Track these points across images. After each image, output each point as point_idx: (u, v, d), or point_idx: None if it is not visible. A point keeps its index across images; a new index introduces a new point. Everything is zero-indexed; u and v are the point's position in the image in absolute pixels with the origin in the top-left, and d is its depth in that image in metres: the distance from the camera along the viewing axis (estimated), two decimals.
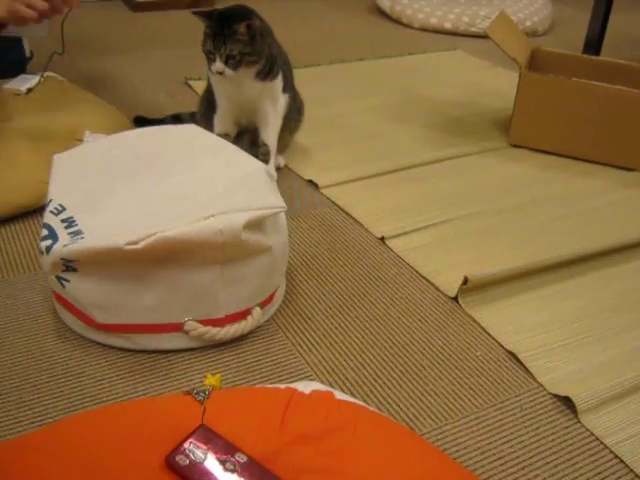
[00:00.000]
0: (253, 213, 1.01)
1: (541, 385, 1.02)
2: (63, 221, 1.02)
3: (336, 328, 1.11)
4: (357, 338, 1.09)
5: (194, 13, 1.38)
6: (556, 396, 1.00)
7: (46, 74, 1.74)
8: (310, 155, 1.68)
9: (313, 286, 1.21)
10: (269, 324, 1.11)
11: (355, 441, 0.81)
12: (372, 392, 0.99)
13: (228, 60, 1.36)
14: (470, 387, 1.01)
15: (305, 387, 0.89)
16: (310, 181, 1.56)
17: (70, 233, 0.99)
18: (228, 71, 1.37)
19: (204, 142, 1.21)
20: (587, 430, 0.94)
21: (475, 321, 1.14)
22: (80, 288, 1.00)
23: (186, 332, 1.03)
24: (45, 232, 1.01)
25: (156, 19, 2.78)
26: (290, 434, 0.81)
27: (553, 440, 0.93)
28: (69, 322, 1.07)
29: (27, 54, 1.91)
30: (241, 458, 0.76)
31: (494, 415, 0.96)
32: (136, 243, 0.94)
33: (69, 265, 0.98)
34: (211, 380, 0.89)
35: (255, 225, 1.02)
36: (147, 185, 1.08)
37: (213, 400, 0.84)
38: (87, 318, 1.02)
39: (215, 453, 0.76)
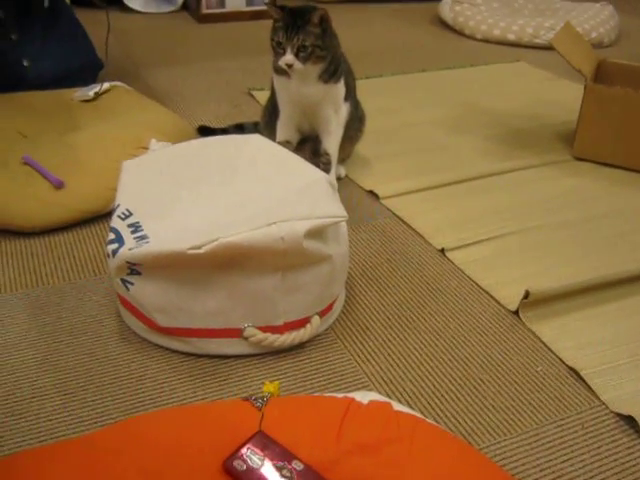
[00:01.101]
0: (315, 222, 1.01)
1: (603, 403, 0.99)
2: (130, 226, 1.05)
3: (394, 339, 1.11)
4: (416, 350, 1.09)
5: (267, 4, 1.40)
6: (619, 415, 0.97)
7: (113, 83, 1.78)
8: (371, 166, 1.69)
9: (372, 296, 1.21)
10: (328, 333, 1.11)
11: (412, 453, 0.80)
12: (430, 405, 0.98)
13: (299, 52, 1.37)
14: (530, 403, 0.99)
15: (363, 397, 0.89)
16: (371, 192, 1.56)
17: (136, 238, 1.02)
18: (298, 64, 1.38)
19: (268, 152, 1.23)
20: None
21: (536, 336, 1.13)
22: (144, 291, 1.02)
23: (245, 338, 1.04)
24: (112, 236, 1.04)
25: (221, 30, 2.83)
26: (347, 443, 0.81)
27: (615, 460, 0.90)
28: (132, 325, 1.10)
29: (99, 59, 1.95)
30: (298, 465, 0.76)
31: (554, 432, 0.94)
32: (199, 248, 0.96)
33: (134, 268, 1.01)
34: (269, 387, 0.90)
35: (316, 234, 1.03)
36: (211, 193, 1.10)
37: (271, 407, 0.85)
38: (150, 321, 1.05)
39: (272, 459, 0.77)
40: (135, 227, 1.04)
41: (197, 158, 1.21)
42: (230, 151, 1.22)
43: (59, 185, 1.36)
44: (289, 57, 1.37)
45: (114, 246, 1.02)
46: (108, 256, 1.04)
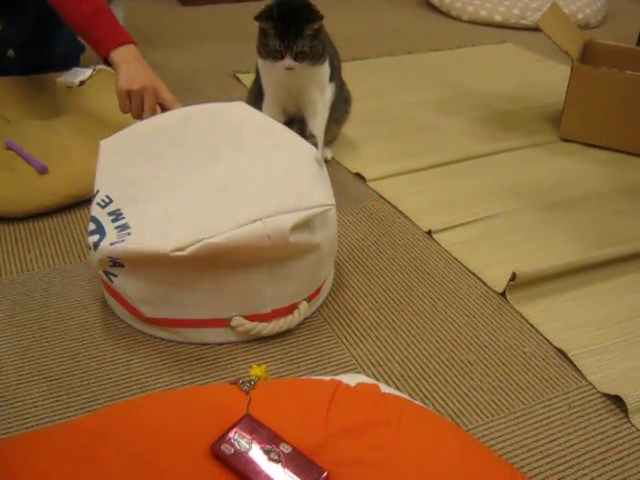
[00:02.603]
0: (301, 214, 0.98)
1: (590, 383, 1.00)
2: (110, 214, 1.01)
3: (382, 322, 1.11)
4: (403, 332, 1.09)
5: (256, 19, 1.38)
6: (606, 395, 0.98)
7: (98, 67, 1.76)
8: (357, 148, 1.68)
9: (360, 279, 1.21)
10: (315, 317, 1.11)
11: (400, 435, 0.80)
12: (417, 386, 0.98)
13: (298, 56, 1.37)
14: (517, 384, 0.99)
15: (350, 380, 0.89)
16: (357, 174, 1.55)
17: (117, 227, 0.99)
18: (297, 65, 1.38)
19: (253, 122, 1.19)
20: (638, 430, 0.92)
21: (523, 317, 1.13)
22: (127, 283, 1.00)
23: (233, 328, 1.03)
24: (92, 226, 1.01)
25: (205, 13, 2.80)
26: (335, 426, 0.81)
27: (602, 440, 0.91)
28: (118, 313, 1.09)
29: (81, 44, 1.93)
30: (286, 448, 0.76)
31: (541, 413, 0.95)
32: (182, 250, 0.93)
33: (116, 261, 0.99)
34: (257, 371, 0.90)
35: (304, 225, 1.00)
36: (194, 174, 1.06)
37: (258, 390, 0.85)
38: (135, 311, 1.03)
39: (260, 443, 0.77)
40: (116, 215, 1.01)
41: (179, 132, 1.16)
42: (213, 122, 1.19)
43: (43, 170, 1.35)
44: (290, 62, 1.37)
45: (95, 238, 0.99)
46: (89, 248, 1.00)
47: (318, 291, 1.11)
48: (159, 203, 1.01)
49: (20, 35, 1.73)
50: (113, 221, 1.00)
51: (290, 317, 1.06)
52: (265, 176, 1.05)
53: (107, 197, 1.04)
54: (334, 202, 1.05)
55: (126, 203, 1.03)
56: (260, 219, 0.95)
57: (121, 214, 1.01)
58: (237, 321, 1.02)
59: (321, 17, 1.37)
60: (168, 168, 1.08)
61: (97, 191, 1.06)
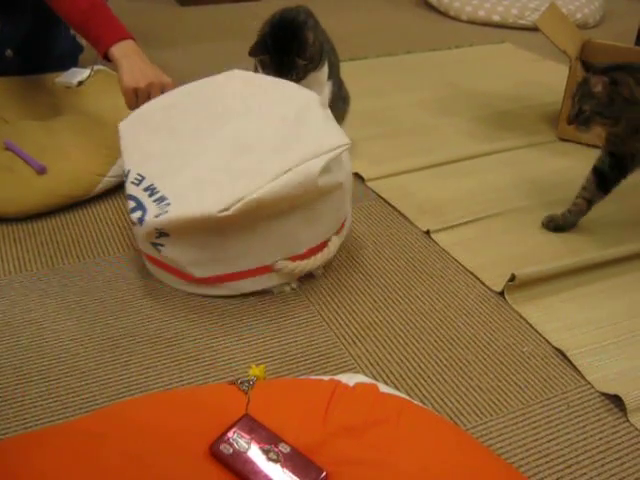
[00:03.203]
0: (325, 157, 1.06)
1: (589, 383, 1.00)
2: (145, 190, 1.08)
3: (381, 321, 1.11)
4: (402, 332, 1.09)
5: (250, 55, 1.40)
6: (605, 395, 0.98)
7: (96, 67, 1.76)
8: (356, 148, 1.68)
9: (358, 279, 1.21)
10: (314, 316, 1.11)
11: (398, 434, 0.80)
12: (416, 386, 0.98)
13: (295, 78, 1.39)
14: (516, 383, 0.99)
15: (349, 379, 0.89)
16: (356, 174, 1.55)
17: (155, 201, 1.06)
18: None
19: (252, 83, 1.25)
20: (636, 429, 0.92)
21: (522, 317, 1.13)
22: (175, 250, 1.08)
23: (277, 271, 1.12)
24: (132, 204, 1.08)
25: (204, 13, 2.80)
26: (333, 426, 0.81)
27: (601, 439, 0.91)
28: (167, 281, 1.16)
29: (79, 44, 1.93)
30: (284, 448, 0.76)
31: (540, 412, 0.95)
32: (228, 209, 1.01)
33: (162, 231, 1.06)
34: (255, 371, 0.90)
35: (326, 168, 1.07)
36: (212, 139, 1.13)
37: (257, 390, 0.85)
38: (186, 275, 1.11)
39: (259, 443, 0.77)
40: (151, 190, 1.08)
41: (187, 106, 1.22)
42: (216, 91, 1.24)
43: (41, 170, 1.35)
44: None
45: (138, 214, 1.06)
46: (134, 224, 1.07)
47: (342, 225, 1.20)
48: (187, 171, 1.09)
49: (18, 35, 1.73)
50: (150, 196, 1.07)
51: (325, 251, 1.15)
52: (278, 129, 1.12)
53: (139, 175, 1.11)
54: (349, 141, 1.11)
55: (157, 177, 1.10)
56: (290, 169, 1.03)
57: (155, 188, 1.08)
58: (280, 264, 1.11)
59: (313, 43, 1.38)
60: (186, 138, 1.15)
61: (128, 171, 1.12)
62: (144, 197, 1.07)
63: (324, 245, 1.16)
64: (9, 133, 1.45)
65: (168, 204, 1.04)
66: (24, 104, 1.62)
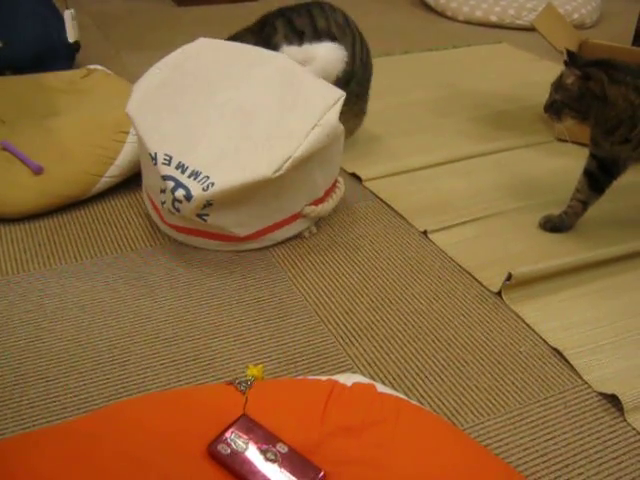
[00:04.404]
0: (337, 106, 1.21)
1: (586, 383, 1.00)
2: (177, 168, 1.15)
3: (378, 321, 1.11)
4: (399, 332, 1.09)
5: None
6: (602, 394, 0.98)
7: (93, 67, 1.76)
8: (353, 148, 1.68)
9: (355, 279, 1.21)
10: (311, 317, 1.11)
11: (396, 434, 0.81)
12: (414, 386, 0.98)
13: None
14: (513, 383, 1.00)
15: (347, 379, 0.89)
16: (353, 174, 1.56)
17: (190, 176, 1.14)
18: None
19: (223, 50, 1.33)
20: (634, 429, 0.93)
21: (519, 317, 1.13)
22: (220, 217, 1.18)
23: (305, 216, 1.28)
24: (171, 183, 1.14)
25: (200, 13, 2.80)
26: (331, 426, 0.81)
27: (598, 438, 0.91)
28: (209, 247, 1.26)
29: (71, 40, 1.94)
30: (282, 448, 0.77)
31: (537, 412, 0.95)
32: (280, 169, 1.14)
33: (208, 202, 1.14)
34: (253, 371, 0.90)
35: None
36: (213, 110, 1.22)
37: (255, 390, 0.85)
38: (230, 237, 1.23)
39: (256, 443, 0.77)
40: (182, 167, 1.15)
41: (177, 81, 1.28)
42: (196, 65, 1.30)
43: (38, 171, 1.35)
44: None
45: (181, 191, 1.13)
46: (180, 202, 1.14)
47: (339, 167, 1.35)
48: (203, 144, 1.18)
49: (7, 27, 1.74)
50: (182, 172, 1.15)
51: (337, 191, 1.34)
52: (271, 91, 1.24)
53: (166, 155, 1.17)
54: (343, 92, 1.25)
55: (180, 154, 1.17)
56: (316, 125, 1.18)
57: (184, 164, 1.15)
58: (307, 210, 1.27)
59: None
60: (188, 113, 1.22)
61: (155, 153, 1.17)
62: (178, 175, 1.14)
63: (335, 185, 1.34)
64: (6, 133, 1.45)
65: (207, 177, 1.13)
66: (21, 104, 1.62)
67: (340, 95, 1.23)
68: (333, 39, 1.50)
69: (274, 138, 1.17)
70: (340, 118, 1.22)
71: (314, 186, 1.27)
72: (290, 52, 1.41)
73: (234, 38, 1.55)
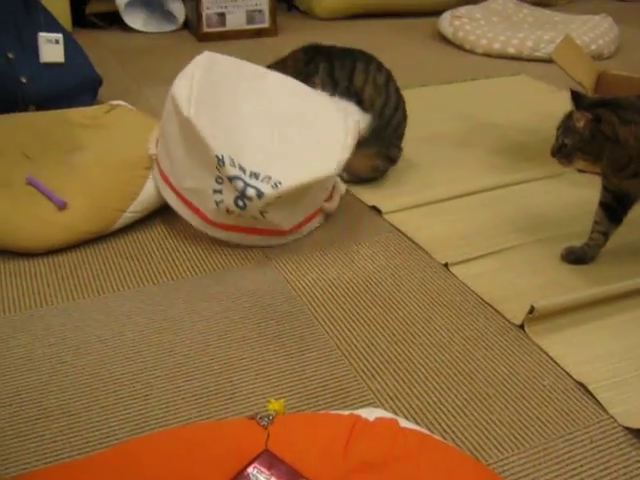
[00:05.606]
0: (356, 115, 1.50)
1: (612, 417, 0.99)
2: (240, 169, 1.26)
3: (400, 355, 1.10)
4: (421, 365, 1.08)
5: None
6: (628, 429, 0.97)
7: (116, 102, 1.79)
8: (373, 181, 1.69)
9: (377, 312, 1.21)
10: (333, 350, 1.11)
11: (420, 470, 0.80)
12: (436, 420, 0.98)
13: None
14: (537, 417, 0.98)
15: (369, 414, 0.88)
16: (373, 207, 1.56)
17: (251, 176, 1.26)
18: None
19: (233, 66, 1.49)
20: None
21: (542, 350, 1.12)
22: (276, 213, 1.30)
23: (322, 211, 1.46)
24: (240, 183, 1.25)
25: (221, 49, 2.83)
26: (354, 461, 0.80)
27: (625, 474, 0.89)
28: (255, 243, 1.38)
29: (98, 75, 1.98)
30: None
31: (562, 447, 0.94)
32: (338, 168, 1.35)
33: (274, 200, 1.27)
34: (275, 405, 0.90)
35: None
36: (250, 114, 1.38)
37: (277, 425, 0.84)
38: (277, 232, 1.36)
39: (278, 478, 0.76)
40: (242, 169, 1.26)
41: (212, 87, 1.38)
42: (219, 75, 1.43)
43: (62, 206, 1.37)
44: None
45: (252, 190, 1.24)
46: (250, 199, 1.24)
47: None
48: (251, 147, 1.31)
49: (32, 62, 1.78)
50: (244, 173, 1.26)
51: (338, 190, 1.52)
52: (296, 103, 1.44)
53: (230, 157, 1.26)
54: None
55: (238, 156, 1.27)
56: (348, 133, 1.40)
57: (242, 166, 1.27)
58: (325, 205, 1.46)
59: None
60: (231, 117, 1.35)
61: (222, 155, 1.26)
62: (243, 175, 1.25)
63: (336, 185, 1.51)
64: (31, 169, 1.48)
65: (268, 177, 1.26)
66: (45, 140, 1.64)
67: (351, 104, 1.49)
68: (360, 100, 1.58)
69: (320, 143, 1.36)
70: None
71: (328, 184, 1.43)
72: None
73: (278, 64, 1.65)
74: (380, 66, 1.64)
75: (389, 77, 1.63)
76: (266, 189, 1.24)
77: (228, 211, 1.29)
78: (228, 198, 1.27)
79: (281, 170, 1.28)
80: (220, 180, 1.28)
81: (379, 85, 1.59)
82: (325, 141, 1.38)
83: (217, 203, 1.29)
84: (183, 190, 1.37)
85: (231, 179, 1.25)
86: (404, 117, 1.67)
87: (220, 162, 1.25)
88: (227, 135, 1.30)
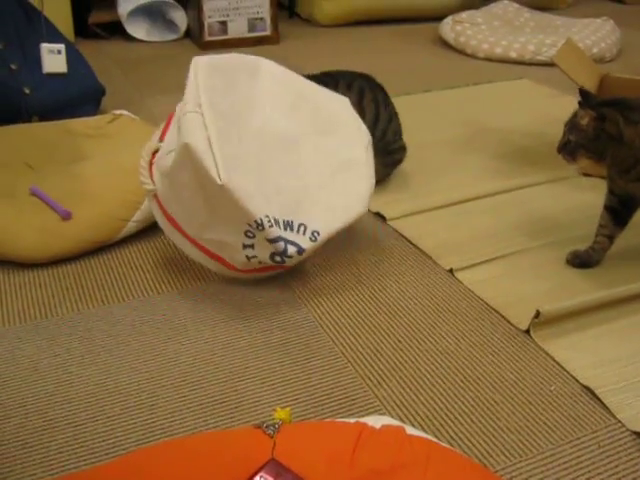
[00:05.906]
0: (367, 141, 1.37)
1: (620, 422, 0.98)
2: (275, 223, 1.14)
3: (406, 361, 1.10)
4: (427, 372, 1.08)
5: None
6: (636, 433, 0.96)
7: (119, 112, 1.79)
8: (376, 187, 1.68)
9: (382, 319, 1.20)
10: (338, 358, 1.11)
11: (427, 477, 0.79)
12: (443, 427, 0.97)
13: None
14: (545, 423, 0.98)
15: (375, 421, 0.88)
16: (377, 213, 1.56)
17: (285, 228, 1.15)
18: None
19: (227, 74, 1.32)
20: None
21: (549, 355, 1.12)
22: (298, 257, 1.19)
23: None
24: (282, 244, 1.15)
25: None
26: (360, 469, 0.80)
27: (634, 479, 0.89)
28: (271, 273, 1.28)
29: (101, 85, 1.98)
30: None
31: (570, 452, 0.93)
32: (367, 205, 1.28)
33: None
34: (281, 414, 0.89)
35: None
36: (259, 134, 1.22)
37: (283, 434, 0.84)
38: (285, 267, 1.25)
39: None
40: (275, 221, 1.14)
41: (219, 107, 1.23)
42: (222, 90, 1.29)
43: (66, 216, 1.37)
44: None
45: (293, 248, 1.16)
46: (290, 257, 1.16)
47: None
48: (271, 182, 1.19)
49: (34, 73, 1.78)
50: (279, 226, 1.15)
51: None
52: (301, 112, 1.30)
53: (267, 218, 1.13)
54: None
55: (269, 205, 1.15)
56: (366, 147, 1.33)
57: (277, 220, 1.15)
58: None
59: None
60: (256, 138, 1.22)
61: (261, 220, 1.12)
62: (281, 231, 1.15)
63: None
64: (34, 179, 1.48)
65: (303, 225, 1.18)
66: (48, 150, 1.65)
67: (362, 128, 1.35)
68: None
69: (339, 171, 1.26)
70: None
71: None
72: None
73: None
74: (350, 84, 1.63)
75: (362, 93, 1.64)
76: (306, 244, 1.17)
77: (260, 263, 1.20)
78: (263, 254, 1.17)
79: (313, 214, 1.20)
80: (250, 234, 1.15)
81: (374, 102, 1.62)
82: (346, 162, 1.29)
83: (249, 258, 1.19)
84: (203, 240, 1.22)
85: (271, 241, 1.14)
86: (388, 126, 1.67)
87: (260, 227, 1.13)
88: (257, 184, 1.16)
